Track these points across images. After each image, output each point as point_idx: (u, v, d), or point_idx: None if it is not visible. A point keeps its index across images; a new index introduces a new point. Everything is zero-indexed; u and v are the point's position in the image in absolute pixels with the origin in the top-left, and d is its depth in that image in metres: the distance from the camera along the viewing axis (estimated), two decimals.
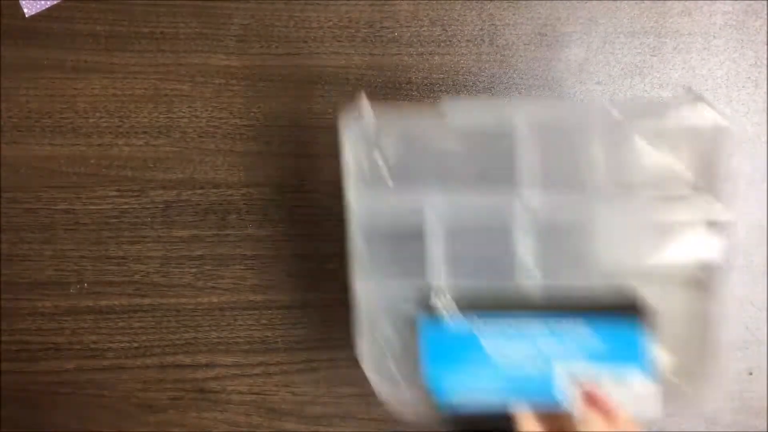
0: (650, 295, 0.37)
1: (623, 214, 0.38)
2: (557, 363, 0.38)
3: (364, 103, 0.41)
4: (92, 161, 0.55)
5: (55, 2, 0.54)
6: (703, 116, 0.37)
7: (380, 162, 0.40)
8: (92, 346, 0.56)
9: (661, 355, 0.38)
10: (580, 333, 0.38)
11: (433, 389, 0.39)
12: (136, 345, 0.56)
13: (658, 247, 0.38)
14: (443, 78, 0.53)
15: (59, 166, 0.55)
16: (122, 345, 0.56)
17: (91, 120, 0.55)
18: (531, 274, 0.38)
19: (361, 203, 0.40)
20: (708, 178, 0.37)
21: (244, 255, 0.55)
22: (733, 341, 0.54)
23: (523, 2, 0.52)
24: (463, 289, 0.38)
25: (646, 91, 0.52)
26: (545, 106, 0.40)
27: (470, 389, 0.39)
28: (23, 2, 0.54)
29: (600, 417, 0.37)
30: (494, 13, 0.53)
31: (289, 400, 0.55)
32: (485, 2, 0.53)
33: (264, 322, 0.55)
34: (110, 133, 0.55)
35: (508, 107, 0.40)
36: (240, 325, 0.55)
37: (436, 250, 0.39)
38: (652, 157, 0.37)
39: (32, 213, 0.55)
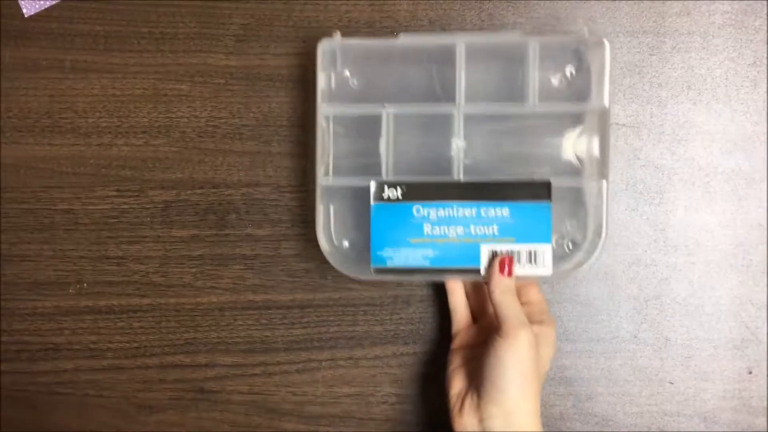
0: (556, 183, 0.47)
1: (535, 119, 0.49)
2: (482, 241, 0.47)
3: (336, 33, 0.48)
4: (91, 161, 0.55)
5: (54, 2, 0.54)
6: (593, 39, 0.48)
7: (348, 79, 0.50)
8: (91, 346, 0.56)
9: (561, 230, 0.49)
10: (502, 217, 0.47)
11: (378, 261, 0.48)
12: (135, 345, 0.56)
13: (558, 145, 0.49)
14: None
15: (59, 166, 0.55)
16: (122, 345, 0.56)
17: (90, 120, 0.55)
18: (464, 170, 0.49)
19: (330, 114, 0.49)
20: (591, 86, 0.48)
21: (244, 255, 0.55)
22: (733, 340, 0.54)
23: (523, 2, 0.52)
24: (409, 182, 0.48)
25: (645, 90, 0.53)
26: (480, 35, 0.50)
27: (409, 262, 0.48)
28: (22, 2, 0.54)
29: (510, 281, 0.46)
30: (494, 12, 0.53)
31: (289, 400, 0.55)
32: (485, 2, 0.53)
33: (264, 322, 0.55)
34: (110, 133, 0.55)
35: (450, 36, 0.49)
36: (240, 325, 0.55)
37: (389, 151, 0.49)
38: (554, 75, 0.49)
39: (32, 213, 0.55)
